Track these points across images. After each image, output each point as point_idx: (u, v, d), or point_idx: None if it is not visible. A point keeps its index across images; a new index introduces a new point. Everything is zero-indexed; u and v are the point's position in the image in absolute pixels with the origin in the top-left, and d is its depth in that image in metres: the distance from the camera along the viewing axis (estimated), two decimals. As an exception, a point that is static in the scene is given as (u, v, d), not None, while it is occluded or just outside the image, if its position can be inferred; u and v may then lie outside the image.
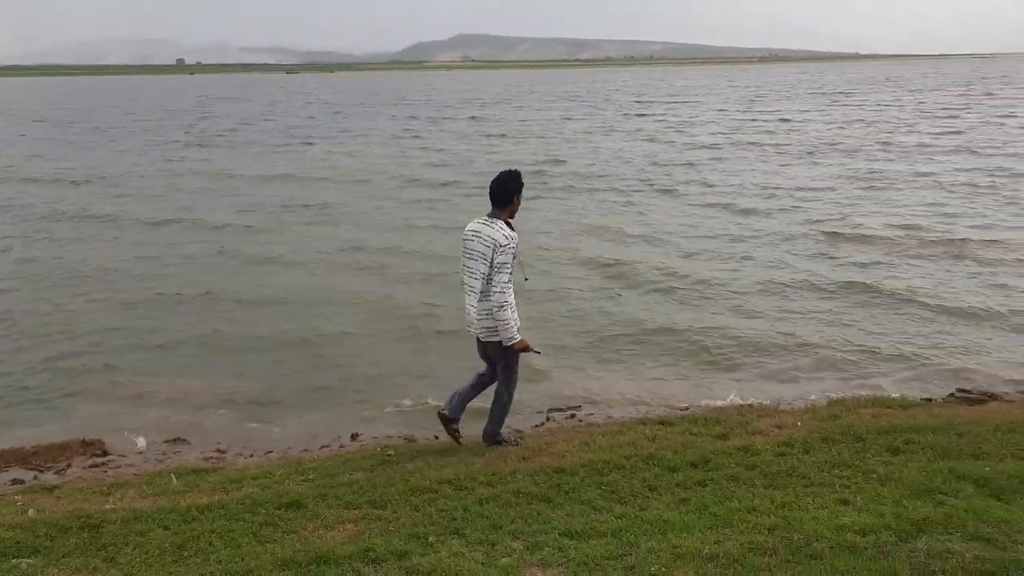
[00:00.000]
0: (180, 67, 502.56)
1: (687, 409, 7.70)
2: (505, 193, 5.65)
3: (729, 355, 9.47)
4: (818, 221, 16.81)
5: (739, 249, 14.71)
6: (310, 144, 36.45)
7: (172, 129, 46.30)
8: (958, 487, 4.65)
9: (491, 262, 5.51)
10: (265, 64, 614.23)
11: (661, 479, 5.14)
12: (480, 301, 5.64)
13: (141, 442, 7.50)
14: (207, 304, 11.94)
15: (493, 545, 4.26)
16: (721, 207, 18.95)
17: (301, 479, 5.68)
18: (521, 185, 5.73)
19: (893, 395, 7.83)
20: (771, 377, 8.86)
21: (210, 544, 4.39)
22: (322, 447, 7.41)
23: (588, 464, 5.48)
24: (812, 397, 7.93)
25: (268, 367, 9.51)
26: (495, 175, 5.75)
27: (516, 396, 6.26)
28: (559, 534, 4.34)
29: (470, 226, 5.71)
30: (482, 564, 4.00)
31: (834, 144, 31.10)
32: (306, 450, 7.31)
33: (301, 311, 11.60)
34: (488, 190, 5.73)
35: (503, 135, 39.45)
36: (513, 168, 5.82)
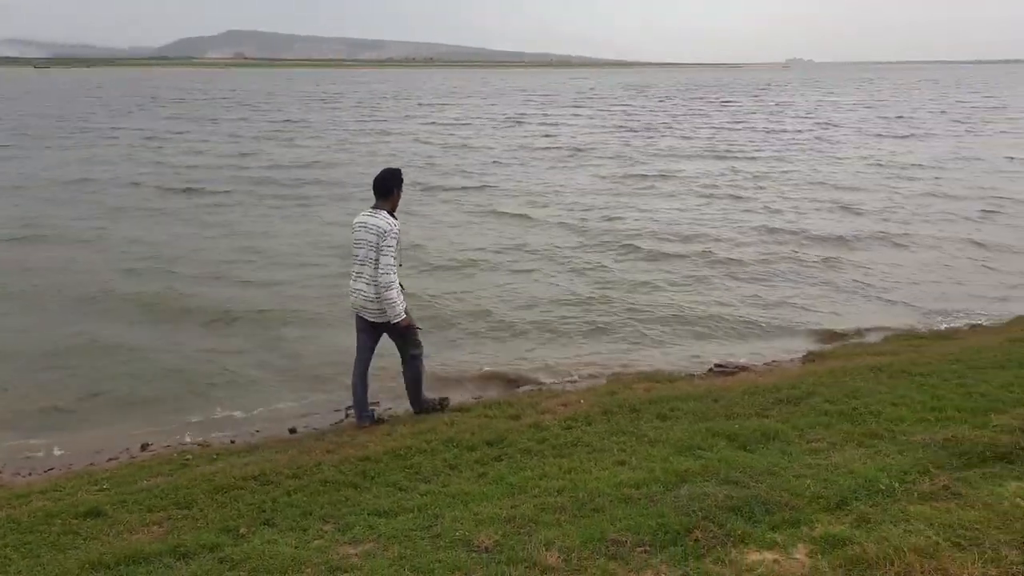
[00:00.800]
0: None
1: (479, 397, 8.16)
2: (385, 188, 6.44)
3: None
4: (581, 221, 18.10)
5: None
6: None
7: None
8: (713, 443, 5.38)
9: (377, 247, 6.22)
10: (7, 58, 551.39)
11: (461, 458, 5.51)
12: (369, 284, 6.35)
13: None
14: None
15: (304, 530, 4.43)
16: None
17: (96, 489, 5.50)
18: (401, 181, 6.56)
19: (663, 371, 8.74)
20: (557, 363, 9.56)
21: (6, 558, 4.21)
22: (110, 459, 7.13)
23: (391, 451, 5.74)
24: (594, 379, 8.65)
25: (37, 381, 8.91)
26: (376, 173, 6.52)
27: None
28: (368, 514, 4.58)
29: (357, 218, 6.46)
30: (295, 548, 4.15)
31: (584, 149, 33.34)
32: (92, 464, 7.00)
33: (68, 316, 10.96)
34: (372, 185, 6.48)
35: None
36: (395, 167, 6.68)
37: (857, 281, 12.90)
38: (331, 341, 9.88)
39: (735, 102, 72.91)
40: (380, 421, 7.00)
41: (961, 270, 13.83)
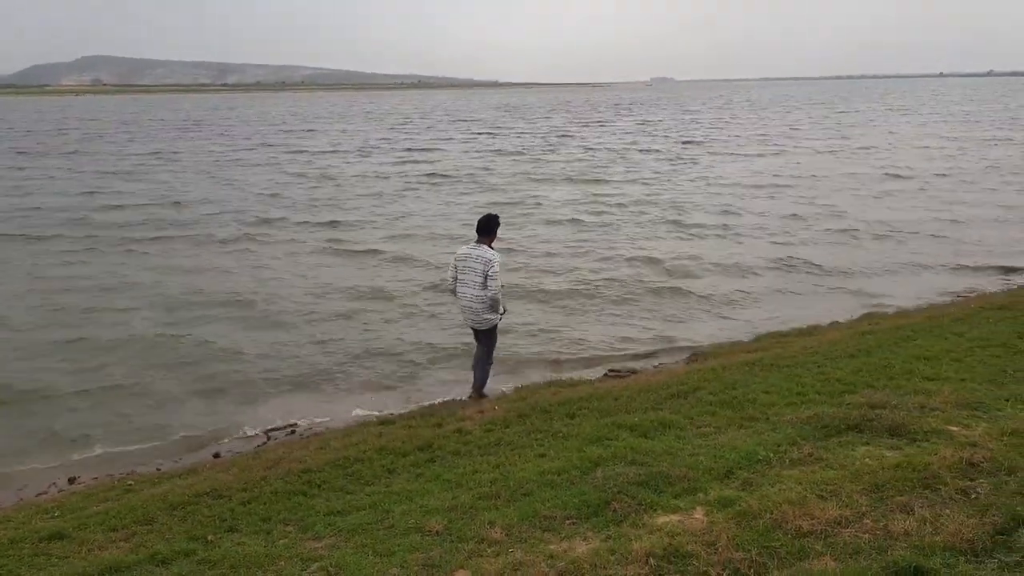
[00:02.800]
0: None
1: (391, 413, 8.74)
2: (488, 228, 8.38)
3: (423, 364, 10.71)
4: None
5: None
6: None
7: None
8: (618, 433, 6.17)
9: (484, 273, 8.14)
10: None
11: (397, 463, 6.10)
12: (473, 301, 8.29)
13: None
14: None
15: (268, 532, 4.92)
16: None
17: (48, 516, 5.76)
18: (499, 224, 8.51)
19: (564, 377, 9.56)
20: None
21: (31, 559, 4.52)
22: (39, 494, 7.29)
23: (331, 462, 6.26)
24: (503, 388, 9.34)
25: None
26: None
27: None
28: (324, 514, 5.12)
29: (462, 250, 8.41)
30: (264, 547, 4.65)
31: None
32: (21, 500, 7.15)
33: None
34: (476, 226, 8.45)
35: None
36: (493, 212, 8.67)
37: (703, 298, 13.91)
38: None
39: (609, 121, 75.64)
40: (484, 396, 8.78)
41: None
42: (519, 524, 4.59)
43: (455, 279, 8.41)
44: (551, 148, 45.99)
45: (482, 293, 8.23)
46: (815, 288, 14.45)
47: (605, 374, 10.00)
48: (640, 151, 43.05)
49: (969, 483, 4.50)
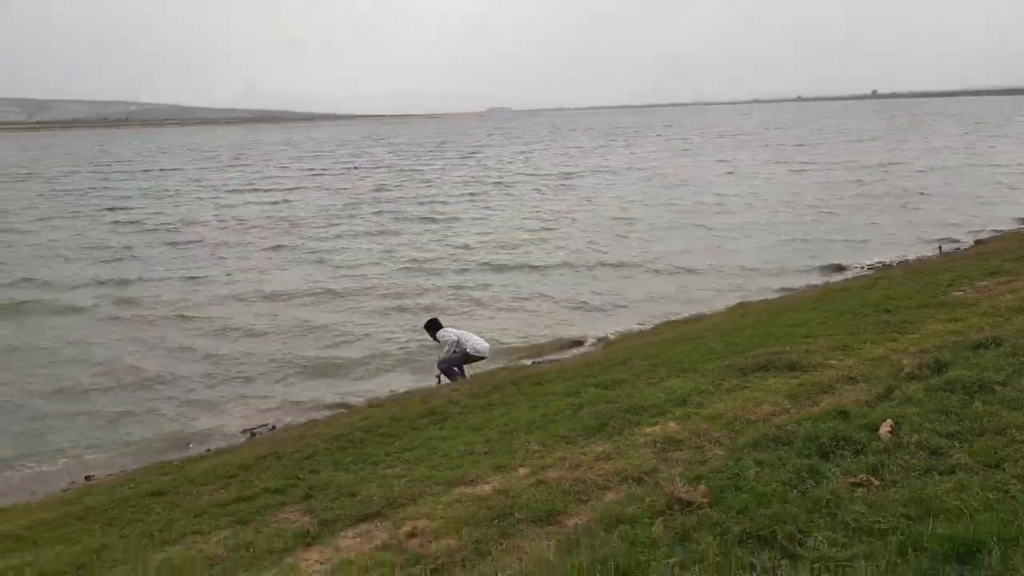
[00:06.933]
0: None
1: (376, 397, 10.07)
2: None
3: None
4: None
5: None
6: None
7: None
8: (585, 389, 7.79)
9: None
10: None
11: (415, 424, 7.53)
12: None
13: None
14: None
15: (346, 469, 6.24)
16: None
17: (124, 489, 6.78)
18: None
19: (499, 366, 11.18)
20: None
21: (143, 510, 5.61)
22: (64, 489, 8.15)
23: (355, 428, 7.59)
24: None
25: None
26: None
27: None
28: (383, 455, 6.48)
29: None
30: (352, 476, 5.97)
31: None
32: (48, 495, 8.00)
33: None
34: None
35: None
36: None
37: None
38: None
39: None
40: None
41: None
42: (546, 440, 6.17)
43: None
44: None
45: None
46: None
47: (534, 362, 11.68)
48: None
49: (852, 386, 6.50)
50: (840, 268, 18.08)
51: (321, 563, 4.44)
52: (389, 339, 13.65)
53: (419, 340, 12.73)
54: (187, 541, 5.03)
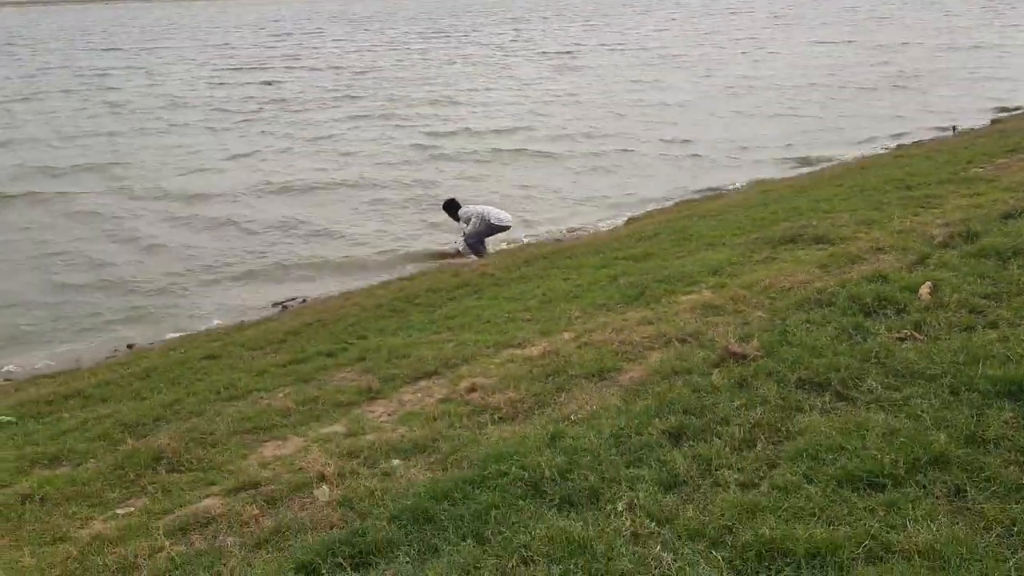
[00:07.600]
0: None
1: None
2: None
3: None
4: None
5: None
6: None
7: None
8: (617, 262, 8.03)
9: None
10: None
11: (453, 294, 7.80)
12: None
13: None
14: None
15: (394, 334, 6.49)
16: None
17: (176, 353, 7.06)
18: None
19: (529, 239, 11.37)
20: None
21: (202, 371, 5.89)
22: (108, 357, 8.45)
23: (394, 298, 7.82)
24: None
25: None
26: None
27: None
28: (428, 321, 6.73)
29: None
30: (401, 339, 6.22)
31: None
32: (96, 363, 8.30)
33: None
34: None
35: None
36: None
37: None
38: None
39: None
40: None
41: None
42: (587, 307, 6.39)
43: None
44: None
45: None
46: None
47: (556, 240, 11.85)
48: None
49: (884, 255, 6.67)
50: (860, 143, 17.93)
51: (388, 415, 4.72)
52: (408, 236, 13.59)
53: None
54: (253, 397, 5.32)
